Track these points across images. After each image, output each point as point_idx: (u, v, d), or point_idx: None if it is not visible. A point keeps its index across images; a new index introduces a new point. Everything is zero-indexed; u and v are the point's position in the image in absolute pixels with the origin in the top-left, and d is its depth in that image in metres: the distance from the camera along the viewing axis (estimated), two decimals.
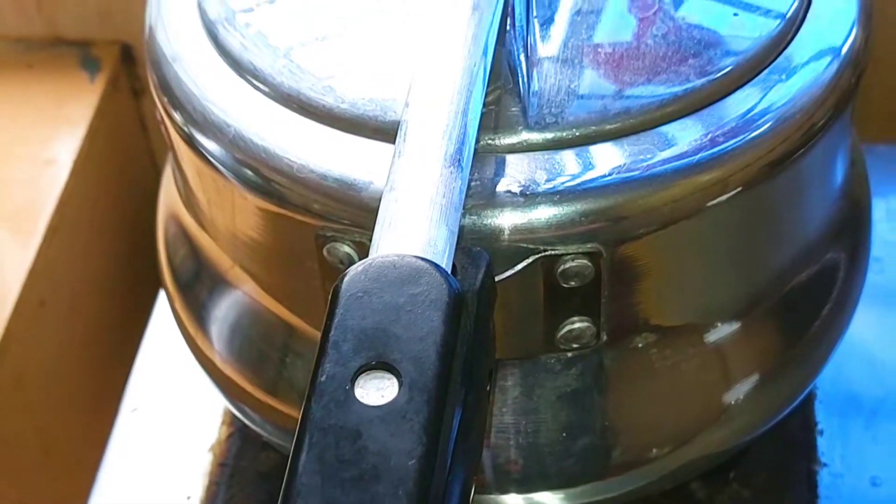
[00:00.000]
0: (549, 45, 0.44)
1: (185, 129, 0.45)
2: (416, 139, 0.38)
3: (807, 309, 0.50)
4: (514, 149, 0.42)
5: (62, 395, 0.72)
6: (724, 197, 0.42)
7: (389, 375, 0.33)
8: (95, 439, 0.64)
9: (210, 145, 0.45)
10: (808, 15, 0.46)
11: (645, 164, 0.41)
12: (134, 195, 0.79)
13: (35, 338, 0.69)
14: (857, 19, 0.47)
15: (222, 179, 0.45)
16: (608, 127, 0.42)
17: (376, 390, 0.32)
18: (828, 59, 0.45)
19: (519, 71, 0.43)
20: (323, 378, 0.33)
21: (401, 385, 0.33)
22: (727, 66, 0.43)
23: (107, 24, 0.78)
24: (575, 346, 0.44)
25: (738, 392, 0.49)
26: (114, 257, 0.77)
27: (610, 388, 0.46)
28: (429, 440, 0.32)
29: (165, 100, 0.47)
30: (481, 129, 0.40)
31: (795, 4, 0.46)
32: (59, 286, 0.71)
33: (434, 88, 0.39)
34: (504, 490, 0.48)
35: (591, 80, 0.43)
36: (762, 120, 0.43)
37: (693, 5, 0.45)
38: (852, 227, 0.52)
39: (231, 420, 0.61)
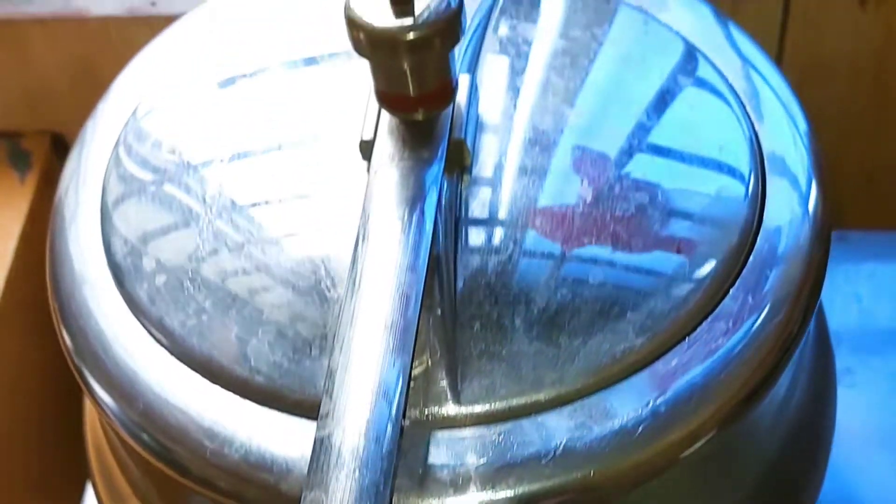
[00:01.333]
0: (474, 306, 0.40)
1: (90, 383, 0.42)
2: (327, 471, 0.35)
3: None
4: (443, 425, 0.39)
5: None
6: (673, 463, 0.40)
7: None
8: None
9: (115, 409, 0.42)
10: (762, 225, 0.43)
11: (582, 441, 0.39)
12: None
13: None
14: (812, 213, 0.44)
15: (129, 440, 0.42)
16: (543, 397, 0.39)
17: None
18: (785, 267, 0.42)
19: (446, 341, 0.40)
20: None
21: None
22: (669, 318, 0.40)
23: (35, 113, 0.75)
24: None
25: None
26: (47, 387, 0.73)
27: None
28: None
29: (68, 342, 0.44)
30: (407, 406, 0.38)
31: (742, 225, 0.43)
32: None
33: (350, 397, 0.36)
34: None
35: (522, 344, 0.40)
36: (710, 376, 0.40)
37: (631, 243, 0.42)
38: (815, 420, 0.49)
39: None
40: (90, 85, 0.72)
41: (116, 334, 0.42)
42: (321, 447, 0.35)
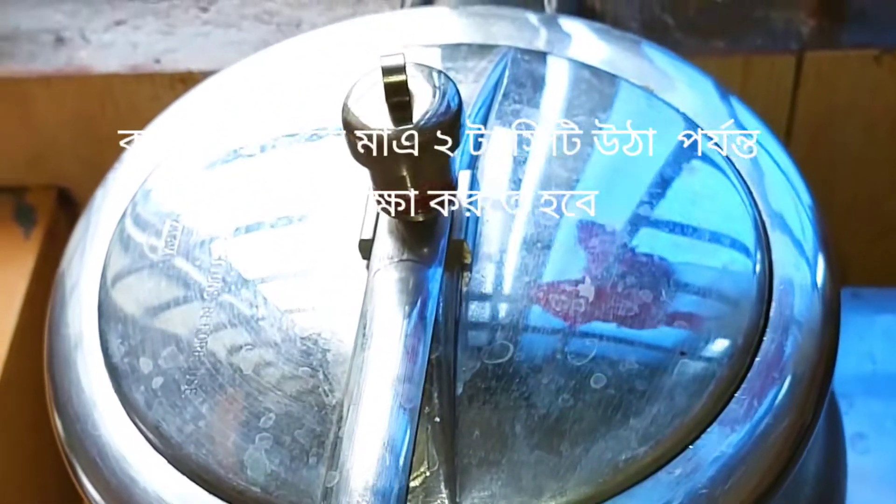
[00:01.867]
0: (474, 412, 0.40)
1: (87, 489, 0.42)
2: None
3: None
4: None
5: None
6: None
7: None
8: None
9: None
10: (768, 322, 0.42)
11: None
12: None
13: None
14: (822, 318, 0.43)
15: None
16: None
17: None
18: (793, 366, 0.42)
19: (444, 450, 0.39)
20: None
21: None
22: (672, 425, 0.39)
23: (39, 168, 0.74)
24: None
25: None
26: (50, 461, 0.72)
27: None
28: None
29: (63, 438, 0.43)
30: None
31: (748, 323, 0.42)
32: None
33: None
34: None
35: (523, 452, 0.39)
36: (714, 484, 0.39)
37: (635, 346, 0.41)
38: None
39: None
40: (94, 141, 0.71)
41: (113, 438, 0.42)
42: None
